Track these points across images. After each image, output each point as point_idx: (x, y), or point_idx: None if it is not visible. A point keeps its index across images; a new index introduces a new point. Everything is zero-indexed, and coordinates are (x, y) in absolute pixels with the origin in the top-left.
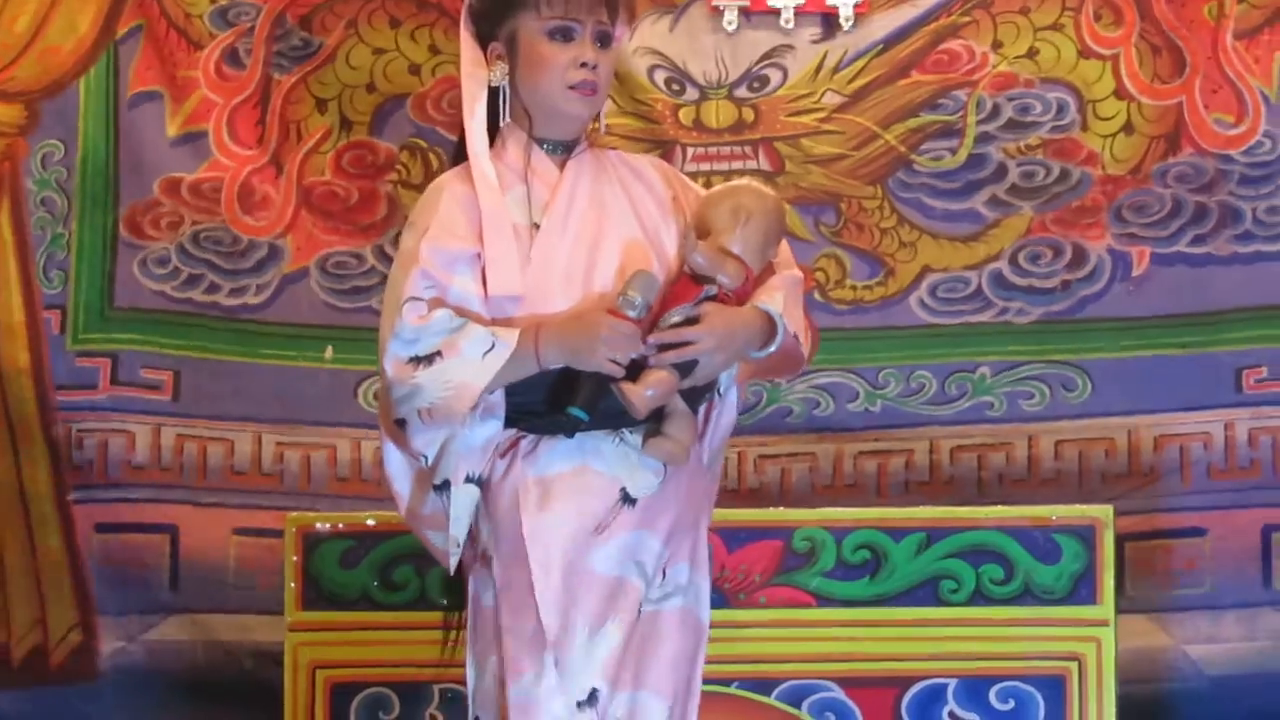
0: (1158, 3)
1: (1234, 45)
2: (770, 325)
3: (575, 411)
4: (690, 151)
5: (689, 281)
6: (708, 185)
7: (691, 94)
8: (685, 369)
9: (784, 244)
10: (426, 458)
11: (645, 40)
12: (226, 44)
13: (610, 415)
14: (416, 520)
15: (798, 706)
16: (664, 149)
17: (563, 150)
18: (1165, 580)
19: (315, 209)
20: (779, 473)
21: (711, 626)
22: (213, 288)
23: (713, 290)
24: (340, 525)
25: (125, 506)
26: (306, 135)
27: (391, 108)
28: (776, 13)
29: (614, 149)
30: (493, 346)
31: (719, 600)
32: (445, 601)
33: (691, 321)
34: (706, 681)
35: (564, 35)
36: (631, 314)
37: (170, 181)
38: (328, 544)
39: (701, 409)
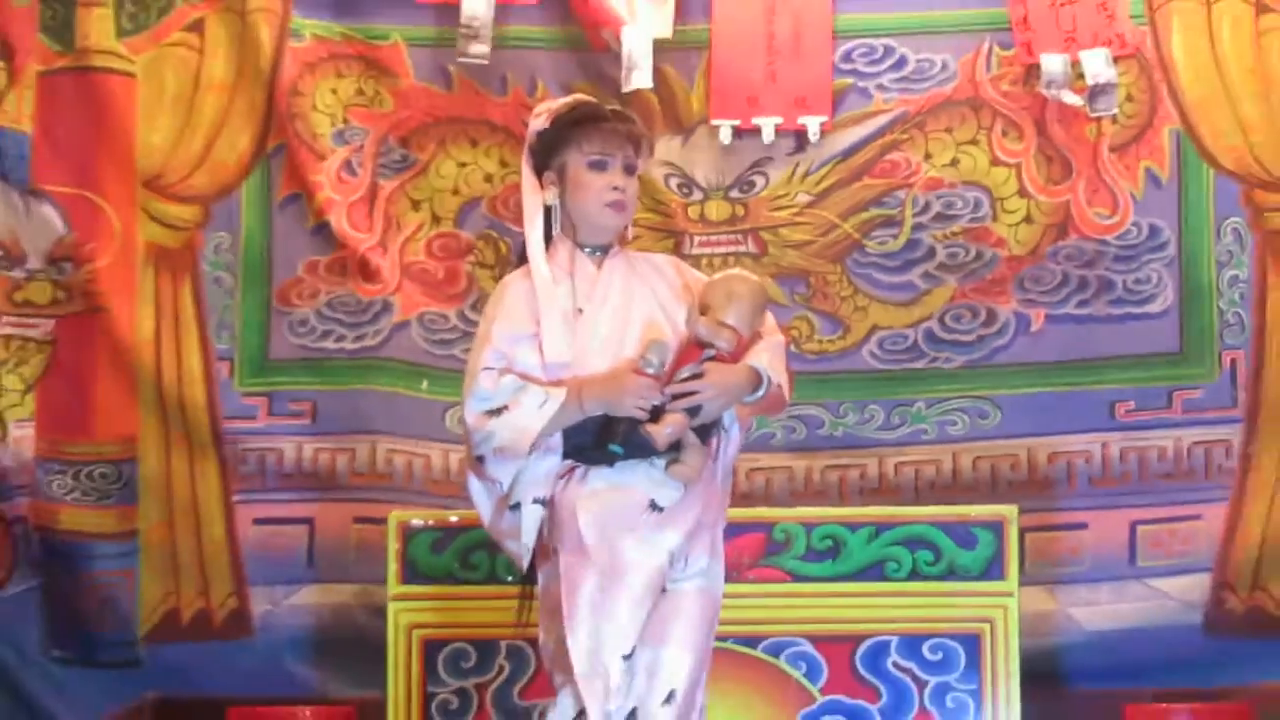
0: (1051, 123)
1: (1109, 156)
2: (758, 377)
3: (614, 448)
4: (696, 239)
5: (695, 347)
6: (711, 270)
7: (697, 195)
8: (693, 412)
9: (769, 315)
10: (501, 484)
11: (662, 155)
12: (344, 158)
13: (640, 449)
14: (496, 531)
15: (777, 657)
16: (676, 237)
17: (600, 253)
18: (1056, 561)
19: (414, 281)
20: (764, 481)
21: None
22: (339, 338)
23: (712, 353)
24: (430, 521)
25: (276, 505)
26: (404, 226)
27: (470, 206)
28: (759, 131)
29: (640, 251)
30: (546, 400)
31: None
32: (520, 587)
33: (697, 376)
34: None
35: (600, 166)
36: (650, 371)
37: (310, 263)
38: (421, 535)
39: (711, 442)
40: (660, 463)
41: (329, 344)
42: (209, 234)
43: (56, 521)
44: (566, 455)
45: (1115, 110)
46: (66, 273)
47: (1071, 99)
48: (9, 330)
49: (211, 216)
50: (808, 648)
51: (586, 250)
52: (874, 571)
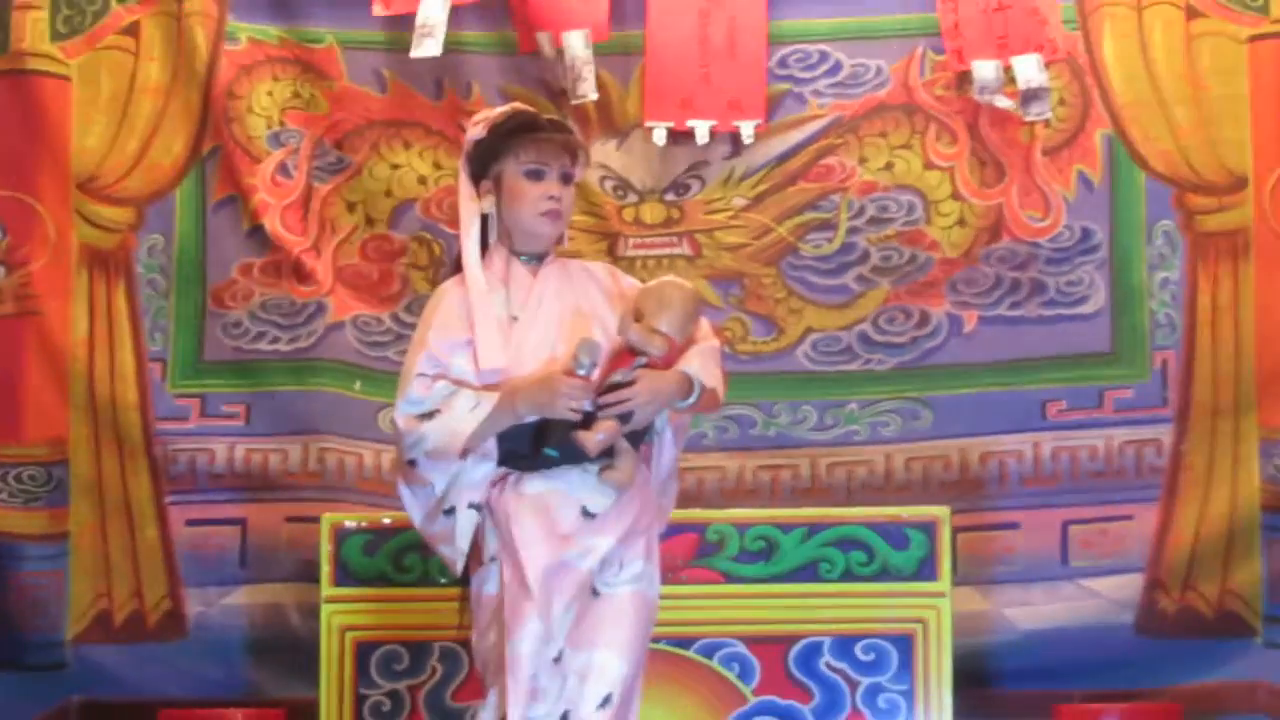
0: (984, 127)
1: (1042, 160)
2: (690, 383)
3: (549, 451)
4: (631, 241)
5: (627, 353)
6: (645, 272)
7: (632, 198)
8: (625, 418)
9: (704, 322)
10: (434, 487)
11: (598, 157)
12: (279, 161)
13: (574, 455)
14: (429, 536)
15: (710, 658)
16: (611, 239)
17: (536, 261)
18: (988, 561)
19: (347, 284)
20: (696, 481)
21: None
22: (274, 339)
23: (644, 360)
24: (363, 523)
25: (209, 506)
26: (339, 229)
27: (404, 209)
28: (693, 133)
29: (576, 259)
30: (478, 404)
31: None
32: (459, 590)
33: (629, 383)
34: None
35: (536, 176)
36: (581, 372)
37: (244, 265)
38: (353, 537)
39: (643, 448)
40: (593, 468)
41: (263, 345)
42: (143, 236)
43: None
44: (501, 461)
45: (1049, 114)
46: (0, 276)
47: (1004, 103)
48: None
49: (146, 219)
50: (741, 649)
51: (522, 258)
52: (807, 572)
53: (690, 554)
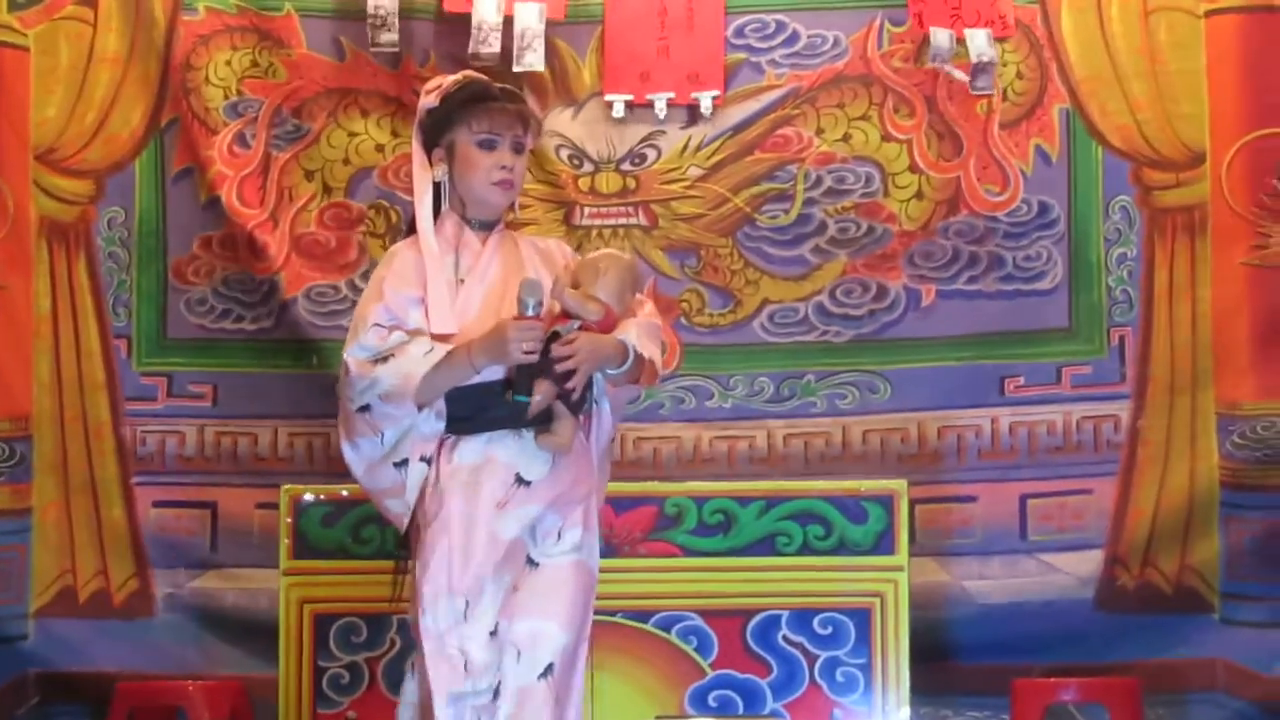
0: (942, 100)
1: (999, 134)
2: (625, 349)
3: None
4: (587, 210)
5: (562, 317)
6: (601, 241)
7: (588, 167)
8: (561, 379)
9: (649, 303)
10: (385, 435)
11: (553, 126)
12: (236, 130)
13: (511, 419)
14: (375, 491)
15: (668, 631)
16: (567, 208)
17: (486, 228)
18: (946, 533)
19: (304, 253)
20: (652, 451)
21: (602, 572)
22: (238, 318)
23: (578, 324)
24: (321, 495)
25: (178, 488)
26: (297, 198)
27: (361, 176)
28: (652, 105)
29: (528, 236)
30: (432, 349)
31: (609, 551)
32: (395, 562)
33: (567, 342)
34: (598, 613)
35: (488, 145)
36: (529, 313)
37: (204, 239)
38: (312, 509)
39: (581, 419)
40: (529, 435)
41: (228, 324)
42: (102, 208)
43: None
44: (447, 429)
45: (992, 90)
46: None
47: (957, 75)
48: None
49: (105, 191)
50: (699, 622)
51: (473, 225)
52: (765, 546)
53: (648, 527)
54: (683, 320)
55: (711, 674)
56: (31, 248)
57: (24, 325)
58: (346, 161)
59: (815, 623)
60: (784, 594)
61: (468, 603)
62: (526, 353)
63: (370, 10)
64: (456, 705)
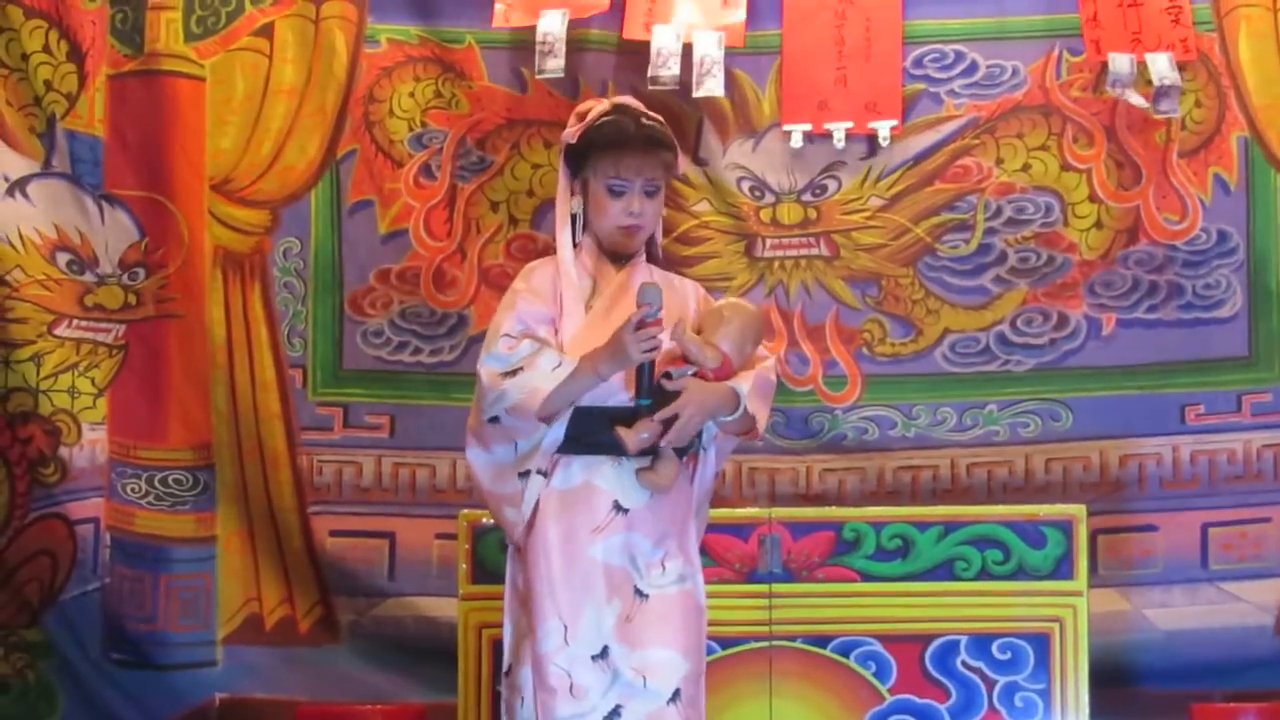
0: (1120, 129)
1: (1178, 162)
2: (736, 399)
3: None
4: (768, 241)
5: (682, 360)
6: (783, 271)
7: (769, 198)
8: (669, 424)
9: (772, 355)
10: (517, 445)
11: (734, 158)
12: (421, 162)
13: (614, 447)
14: (496, 498)
15: (847, 656)
16: (749, 239)
17: (622, 259)
18: (1128, 563)
19: (493, 285)
20: (837, 482)
21: (782, 596)
22: (416, 350)
23: (693, 370)
24: None
25: (355, 518)
26: (483, 229)
27: (546, 208)
28: (830, 135)
29: (665, 272)
30: (560, 364)
31: (788, 576)
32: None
33: (676, 393)
34: (777, 638)
35: (618, 192)
36: (650, 317)
37: (382, 271)
38: (490, 534)
39: (686, 459)
40: (629, 464)
41: (405, 357)
42: (278, 239)
43: (132, 523)
44: (561, 448)
45: (1178, 112)
46: (139, 278)
47: (1136, 100)
48: (80, 334)
49: (281, 221)
50: (877, 647)
51: (609, 256)
52: (943, 571)
53: (827, 552)
54: (864, 350)
55: (890, 699)
56: (206, 277)
57: (201, 355)
58: (530, 193)
59: (994, 648)
60: (963, 619)
61: (566, 627)
62: (645, 352)
63: (539, 38)
64: None
